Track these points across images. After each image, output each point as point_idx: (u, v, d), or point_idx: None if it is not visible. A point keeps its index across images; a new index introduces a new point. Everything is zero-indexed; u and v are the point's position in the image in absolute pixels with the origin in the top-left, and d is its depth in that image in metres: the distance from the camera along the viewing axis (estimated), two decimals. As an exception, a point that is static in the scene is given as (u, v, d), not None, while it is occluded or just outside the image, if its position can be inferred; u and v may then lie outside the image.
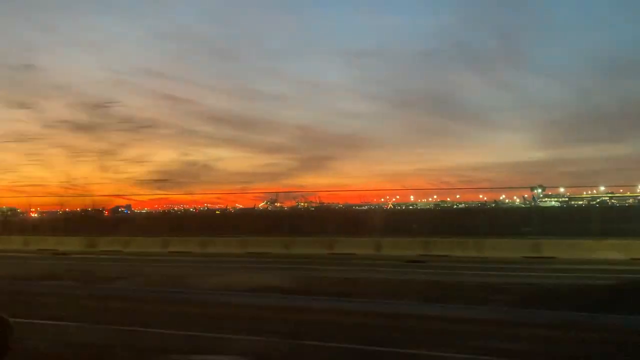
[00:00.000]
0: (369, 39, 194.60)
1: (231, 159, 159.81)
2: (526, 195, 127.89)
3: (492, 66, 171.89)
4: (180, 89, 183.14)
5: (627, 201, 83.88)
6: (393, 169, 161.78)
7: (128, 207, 77.19)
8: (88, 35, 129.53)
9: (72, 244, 26.65)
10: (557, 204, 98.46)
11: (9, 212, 53.33)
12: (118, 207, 76.18)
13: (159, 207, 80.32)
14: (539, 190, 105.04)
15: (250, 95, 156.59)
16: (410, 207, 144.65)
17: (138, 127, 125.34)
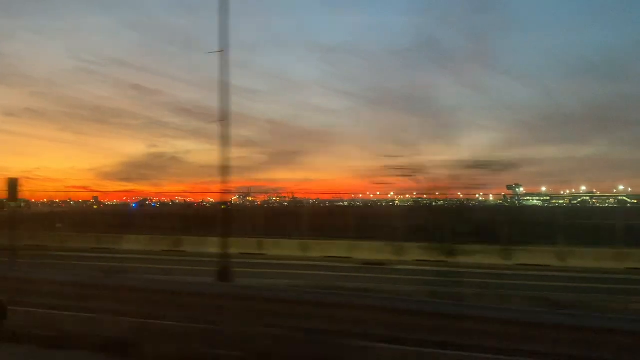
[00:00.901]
0: (341, 36, 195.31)
1: (199, 152, 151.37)
2: (504, 194, 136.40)
3: (461, 66, 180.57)
4: (148, 79, 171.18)
5: (607, 201, 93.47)
6: (363, 165, 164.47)
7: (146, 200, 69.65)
8: (55, 23, 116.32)
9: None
10: (539, 203, 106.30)
11: (22, 204, 46.26)
12: (145, 199, 68.79)
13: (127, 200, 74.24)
14: (521, 189, 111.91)
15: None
16: (390, 204, 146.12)
17: (105, 117, 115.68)
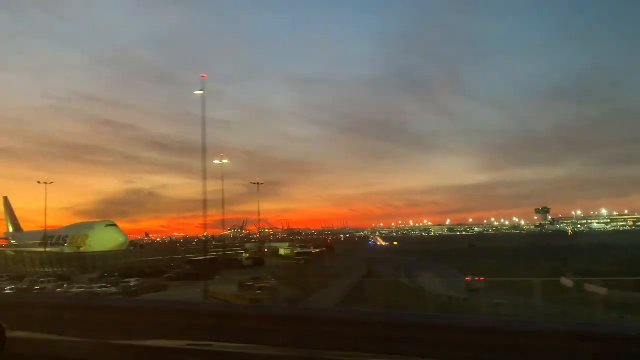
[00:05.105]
0: (314, 66, 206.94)
1: (177, 186, 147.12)
2: (536, 218, 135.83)
3: (433, 93, 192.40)
4: (122, 115, 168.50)
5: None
6: (341, 193, 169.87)
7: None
8: (24, 60, 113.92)
9: None
10: (602, 227, 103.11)
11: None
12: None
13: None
14: (569, 216, 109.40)
15: (195, 121, 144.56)
16: (424, 234, 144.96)
17: (79, 154, 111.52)
